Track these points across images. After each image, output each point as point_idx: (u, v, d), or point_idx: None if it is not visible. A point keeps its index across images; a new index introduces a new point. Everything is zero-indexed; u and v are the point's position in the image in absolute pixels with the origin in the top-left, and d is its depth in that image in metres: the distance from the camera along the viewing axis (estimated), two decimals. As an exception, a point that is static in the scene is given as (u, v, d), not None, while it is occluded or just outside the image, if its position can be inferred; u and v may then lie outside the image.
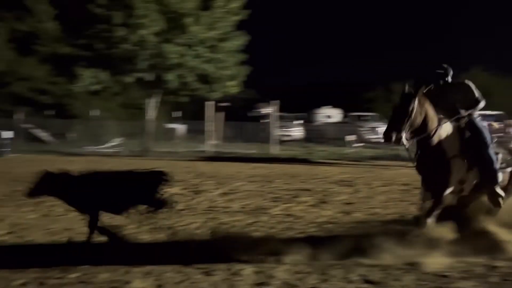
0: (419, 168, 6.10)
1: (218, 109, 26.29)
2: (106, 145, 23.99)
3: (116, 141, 24.22)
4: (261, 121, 27.64)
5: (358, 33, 79.22)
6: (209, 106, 25.23)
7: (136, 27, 22.38)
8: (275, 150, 23.74)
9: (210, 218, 8.04)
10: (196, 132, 26.52)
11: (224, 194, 10.68)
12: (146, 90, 25.24)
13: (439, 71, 6.14)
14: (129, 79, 24.19)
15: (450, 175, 5.83)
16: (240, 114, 29.16)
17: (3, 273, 5.25)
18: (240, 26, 25.10)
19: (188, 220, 7.86)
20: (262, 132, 25.46)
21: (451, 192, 5.97)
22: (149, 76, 24.09)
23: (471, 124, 6.05)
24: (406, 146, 5.86)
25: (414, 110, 5.66)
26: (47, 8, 29.65)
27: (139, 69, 23.48)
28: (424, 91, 5.93)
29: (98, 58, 23.69)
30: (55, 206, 8.95)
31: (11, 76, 29.76)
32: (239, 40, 24.87)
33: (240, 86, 26.08)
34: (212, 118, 25.37)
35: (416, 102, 5.69)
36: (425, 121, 5.79)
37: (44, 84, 29.91)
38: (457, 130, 6.01)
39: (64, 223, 7.62)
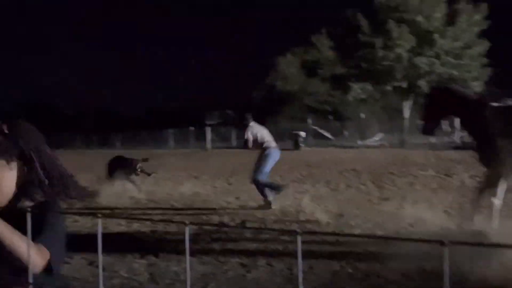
0: None
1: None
2: (371, 139, 24.09)
3: (378, 136, 24.14)
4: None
5: None
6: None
7: (393, 47, 22.04)
8: None
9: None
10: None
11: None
12: (401, 95, 24.64)
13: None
14: (387, 87, 24.02)
15: None
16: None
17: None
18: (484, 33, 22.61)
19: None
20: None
21: None
22: (403, 84, 23.50)
23: None
24: None
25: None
26: (326, 41, 31.28)
27: (396, 79, 23.08)
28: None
29: (364, 74, 24.14)
30: (340, 183, 9.60)
31: (303, 92, 32.27)
32: (482, 47, 22.38)
33: (484, 86, 23.40)
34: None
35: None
36: None
37: (325, 96, 31.65)
38: None
39: (348, 195, 8.12)
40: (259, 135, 7.33)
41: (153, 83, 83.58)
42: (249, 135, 7.29)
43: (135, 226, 6.13)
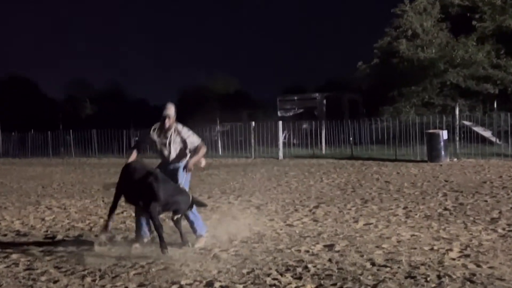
0: None
1: None
2: None
3: None
4: None
5: None
6: None
7: None
8: None
9: None
10: None
11: None
12: None
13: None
14: None
15: None
16: None
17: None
18: None
19: None
20: None
21: None
22: None
23: None
24: None
25: None
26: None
27: None
28: None
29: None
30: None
31: (445, 62, 31.17)
32: None
33: None
34: None
35: None
36: None
37: (486, 69, 30.35)
38: None
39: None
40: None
41: (193, 57, 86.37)
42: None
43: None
